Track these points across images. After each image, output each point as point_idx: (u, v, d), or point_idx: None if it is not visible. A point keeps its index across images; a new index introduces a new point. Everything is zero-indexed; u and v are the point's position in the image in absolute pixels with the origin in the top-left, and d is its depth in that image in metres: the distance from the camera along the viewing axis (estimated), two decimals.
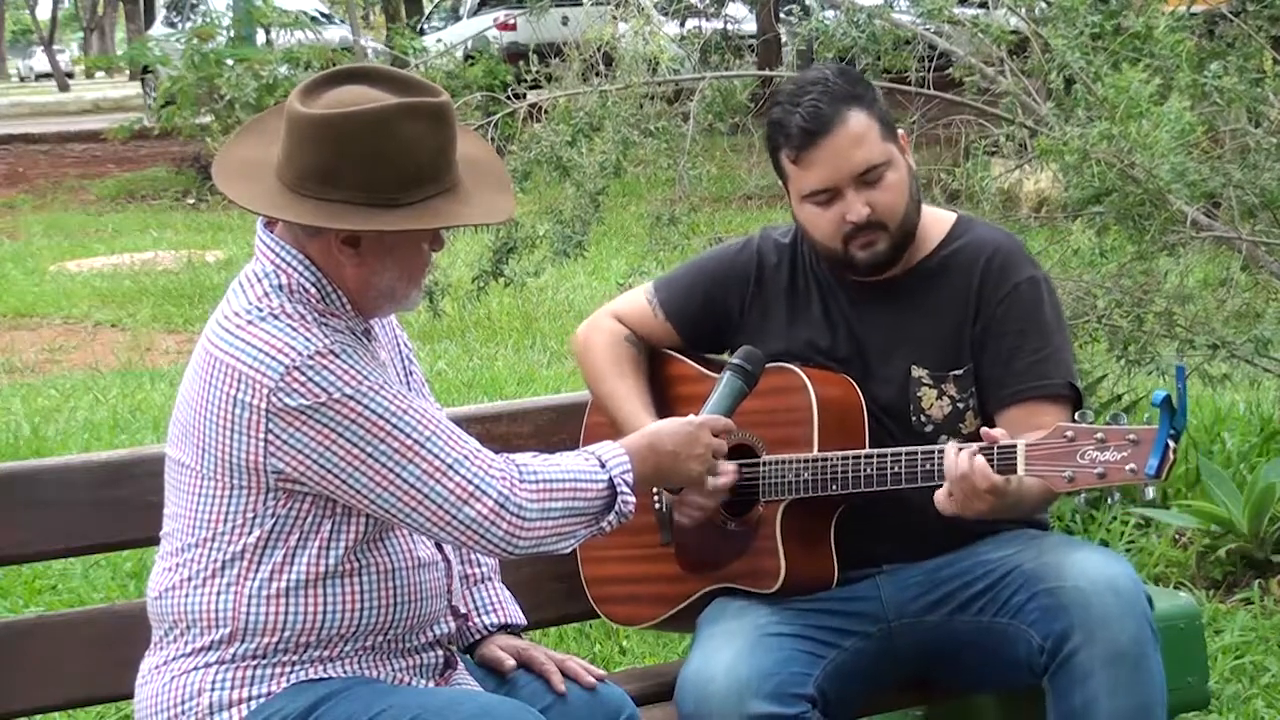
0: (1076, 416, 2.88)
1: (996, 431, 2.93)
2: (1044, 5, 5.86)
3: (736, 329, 3.32)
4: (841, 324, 3.24)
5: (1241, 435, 6.16)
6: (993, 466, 2.89)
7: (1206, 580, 5.20)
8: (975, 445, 2.92)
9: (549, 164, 5.87)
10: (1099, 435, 2.82)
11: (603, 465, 2.80)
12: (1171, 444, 2.75)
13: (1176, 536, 5.38)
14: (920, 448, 3.02)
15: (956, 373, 3.18)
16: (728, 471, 3.09)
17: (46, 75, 52.90)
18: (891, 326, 3.21)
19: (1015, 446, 2.88)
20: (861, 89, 3.15)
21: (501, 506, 2.67)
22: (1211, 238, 5.41)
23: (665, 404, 3.33)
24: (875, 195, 3.12)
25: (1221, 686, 4.37)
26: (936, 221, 3.27)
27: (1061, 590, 3.01)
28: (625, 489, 2.79)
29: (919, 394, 3.18)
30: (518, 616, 3.06)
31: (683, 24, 7.73)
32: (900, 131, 3.19)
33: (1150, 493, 2.87)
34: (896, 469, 3.02)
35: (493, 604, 3.04)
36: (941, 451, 2.97)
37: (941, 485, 2.95)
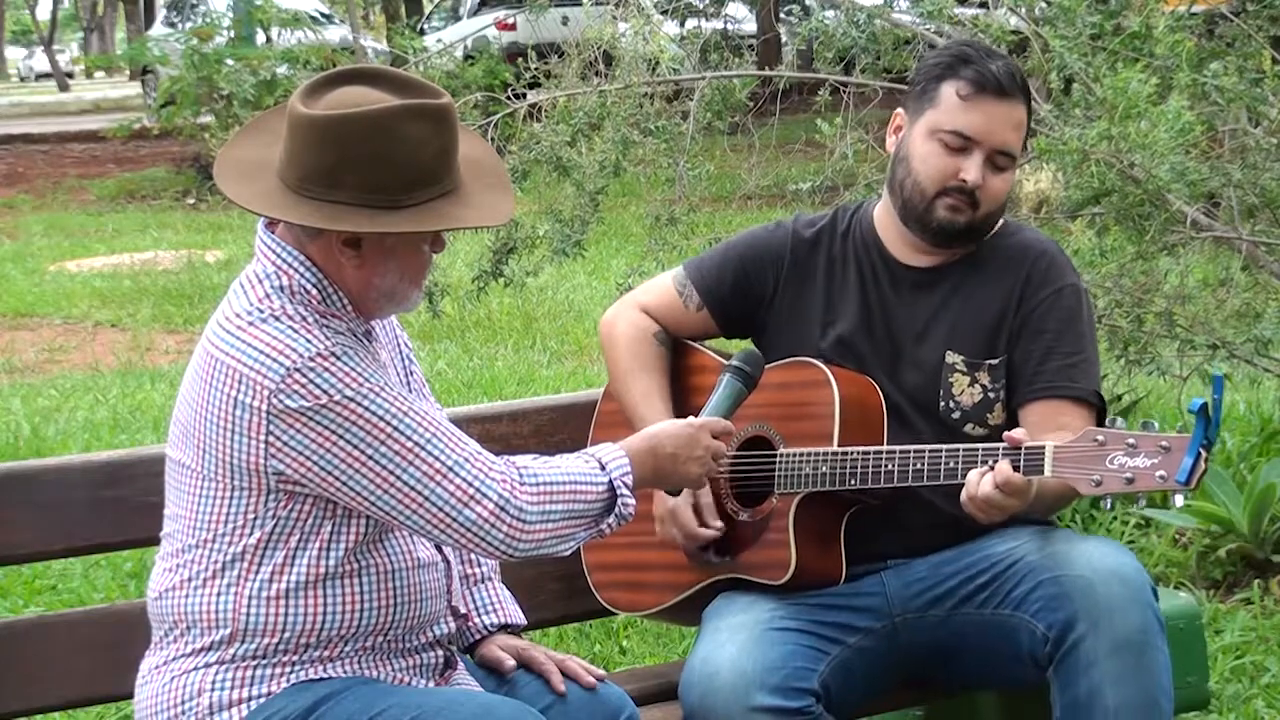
0: (1107, 422, 2.87)
1: (1019, 433, 2.94)
2: (1044, 5, 5.86)
3: (767, 308, 3.33)
4: (878, 305, 3.26)
5: (1241, 435, 6.17)
6: (1019, 468, 2.90)
7: (1206, 580, 5.20)
8: (1000, 447, 2.93)
9: (549, 164, 5.87)
10: (1130, 441, 2.81)
11: (603, 467, 2.80)
12: (1204, 452, 2.75)
13: (1176, 536, 5.39)
14: (945, 446, 3.02)
15: (992, 362, 3.20)
16: (715, 528, 3.17)
17: (46, 75, 52.92)
18: (930, 311, 3.23)
19: (1043, 448, 2.89)
20: (1030, 97, 3.26)
21: (502, 509, 2.67)
22: (1211, 238, 5.41)
23: (685, 393, 3.35)
24: (992, 177, 3.18)
25: (1221, 686, 4.37)
26: None
27: (1066, 579, 3.02)
28: (625, 491, 2.79)
29: (951, 380, 3.20)
30: (518, 616, 3.06)
31: (683, 24, 7.73)
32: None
33: (1180, 500, 2.86)
34: (919, 465, 3.03)
35: (493, 604, 3.04)
36: (969, 449, 2.98)
37: (962, 484, 2.97)
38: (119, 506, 3.12)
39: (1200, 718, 4.07)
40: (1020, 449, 2.91)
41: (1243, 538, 5.22)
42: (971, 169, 3.15)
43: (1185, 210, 5.20)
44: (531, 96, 6.22)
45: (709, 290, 3.37)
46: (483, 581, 3.05)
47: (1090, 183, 5.18)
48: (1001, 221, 3.31)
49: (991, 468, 2.92)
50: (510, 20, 18.65)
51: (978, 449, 2.98)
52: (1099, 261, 5.35)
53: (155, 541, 2.87)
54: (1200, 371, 5.45)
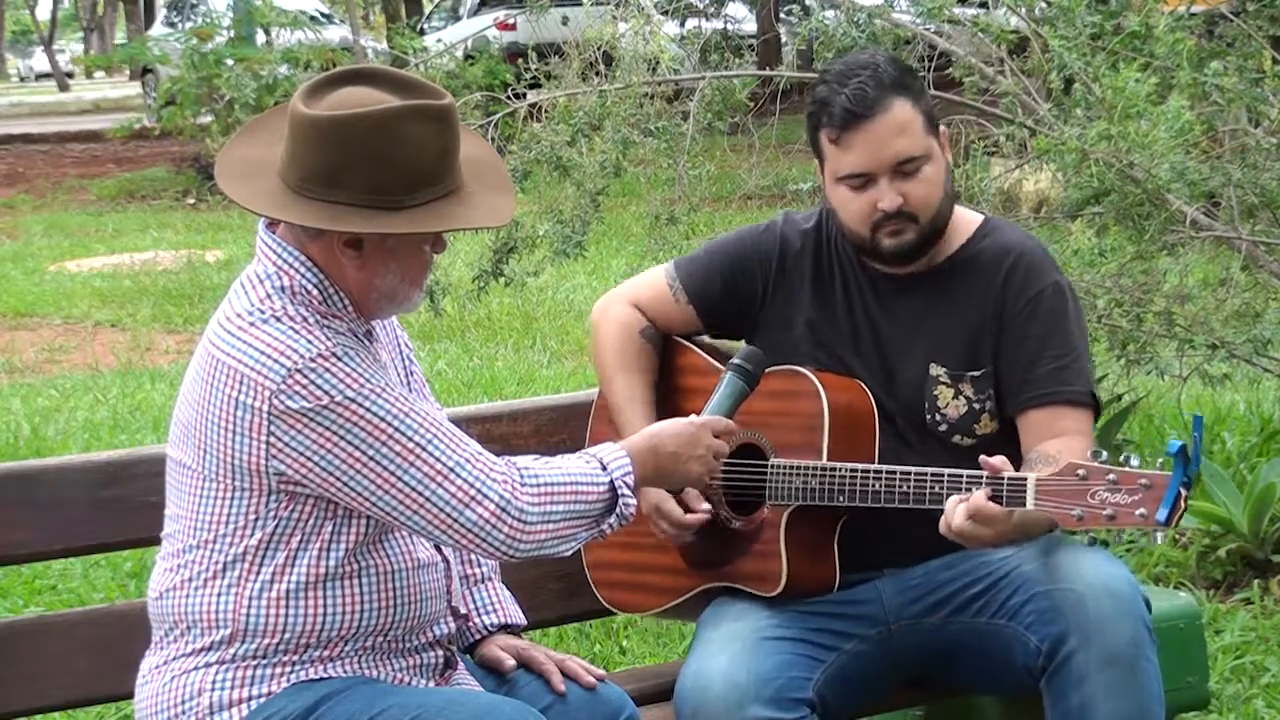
0: (1090, 454, 2.85)
1: (998, 460, 2.90)
2: (1044, 5, 5.86)
3: (759, 311, 3.31)
4: (863, 316, 3.24)
5: (1241, 435, 6.17)
6: (1001, 500, 2.88)
7: (1206, 580, 5.20)
8: (983, 476, 2.90)
9: (549, 164, 5.87)
10: (1111, 477, 2.80)
11: (604, 468, 2.80)
12: (1183, 491, 2.75)
13: (1176, 536, 5.38)
14: (930, 470, 3.00)
15: (974, 374, 3.17)
16: (701, 511, 3.13)
17: (46, 75, 52.92)
18: (913, 322, 3.21)
19: (1025, 480, 2.86)
20: (910, 79, 3.15)
21: (503, 510, 2.67)
22: (1211, 237, 5.41)
23: (672, 393, 3.34)
24: (909, 187, 3.12)
25: (1221, 686, 4.37)
26: (965, 220, 3.27)
27: (1058, 593, 3.01)
28: (626, 491, 2.79)
29: (935, 392, 3.18)
30: (518, 616, 3.06)
31: (683, 24, 7.73)
32: (942, 128, 3.20)
33: (1160, 537, 2.85)
34: (905, 488, 3.01)
35: (493, 604, 3.04)
36: (953, 474, 2.95)
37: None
38: (119, 506, 3.12)
39: (1200, 718, 4.07)
40: (1002, 478, 2.88)
41: (1243, 538, 5.22)
42: (884, 197, 3.11)
43: (1185, 210, 5.20)
44: (532, 96, 6.22)
45: (697, 292, 3.35)
46: (483, 581, 3.05)
47: (1090, 183, 5.18)
48: (981, 220, 3.27)
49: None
50: (510, 20, 18.67)
51: (962, 476, 2.95)
52: (1099, 261, 5.35)
53: (155, 541, 2.87)
54: (1200, 371, 5.45)
